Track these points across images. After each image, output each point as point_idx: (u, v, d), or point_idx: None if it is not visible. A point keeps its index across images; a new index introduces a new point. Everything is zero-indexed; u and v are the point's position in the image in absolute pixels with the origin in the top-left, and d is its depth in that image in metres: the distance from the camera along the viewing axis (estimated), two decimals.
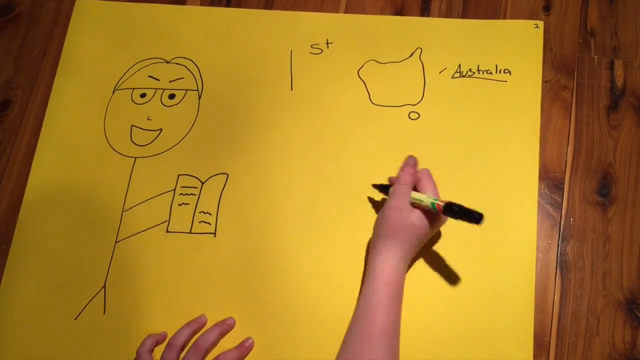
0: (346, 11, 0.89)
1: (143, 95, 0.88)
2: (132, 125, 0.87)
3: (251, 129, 0.84)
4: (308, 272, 0.76)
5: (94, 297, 0.79)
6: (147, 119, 0.87)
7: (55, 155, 0.86)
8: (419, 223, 0.68)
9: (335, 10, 0.89)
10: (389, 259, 0.68)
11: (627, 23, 0.83)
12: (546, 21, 0.83)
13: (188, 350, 0.72)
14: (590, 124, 0.79)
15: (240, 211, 0.81)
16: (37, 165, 0.86)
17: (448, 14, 0.86)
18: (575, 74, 0.81)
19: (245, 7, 0.91)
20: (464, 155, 0.79)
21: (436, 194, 0.70)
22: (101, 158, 0.85)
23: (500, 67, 0.82)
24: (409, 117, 0.82)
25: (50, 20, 0.94)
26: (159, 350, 0.74)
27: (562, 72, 0.81)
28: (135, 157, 0.85)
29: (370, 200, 0.79)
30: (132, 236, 0.81)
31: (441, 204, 0.66)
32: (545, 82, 0.81)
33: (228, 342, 0.75)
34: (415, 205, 0.69)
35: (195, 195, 0.82)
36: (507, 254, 0.74)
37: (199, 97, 0.87)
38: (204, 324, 0.76)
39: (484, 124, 0.80)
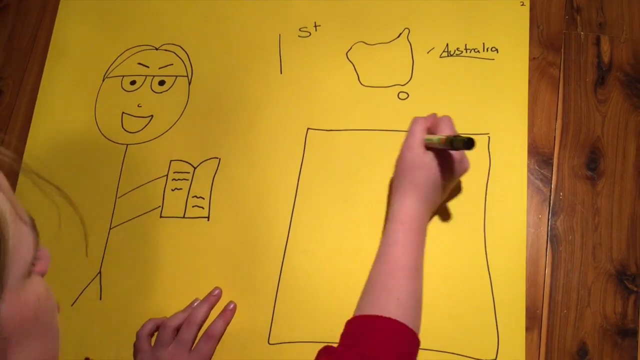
0: None
1: (133, 83, 0.88)
2: (123, 112, 0.87)
3: (241, 113, 0.84)
4: (302, 254, 0.77)
5: (89, 283, 0.79)
6: (138, 105, 0.87)
7: (47, 144, 0.86)
8: (431, 163, 0.68)
9: None
10: (403, 199, 0.69)
11: None
12: None
13: (182, 328, 0.73)
14: (578, 99, 0.79)
15: (233, 195, 0.81)
16: (29, 154, 0.86)
17: None
18: (562, 50, 0.82)
19: None
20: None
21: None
22: (93, 146, 0.86)
23: (488, 45, 0.82)
24: (398, 97, 0.82)
25: (38, 10, 0.95)
26: None
27: (549, 48, 0.82)
28: (127, 144, 0.85)
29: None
30: (126, 222, 0.82)
31: (444, 137, 0.66)
32: (532, 59, 0.81)
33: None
34: (428, 146, 0.69)
35: (187, 180, 0.82)
36: (498, 229, 0.74)
37: (189, 83, 0.87)
38: None
39: (473, 102, 0.80)
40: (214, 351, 0.73)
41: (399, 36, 0.85)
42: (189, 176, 0.82)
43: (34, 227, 0.42)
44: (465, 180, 0.77)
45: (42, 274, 0.43)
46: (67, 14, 0.94)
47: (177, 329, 0.74)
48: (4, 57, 0.92)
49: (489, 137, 0.78)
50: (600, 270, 0.72)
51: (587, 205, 0.75)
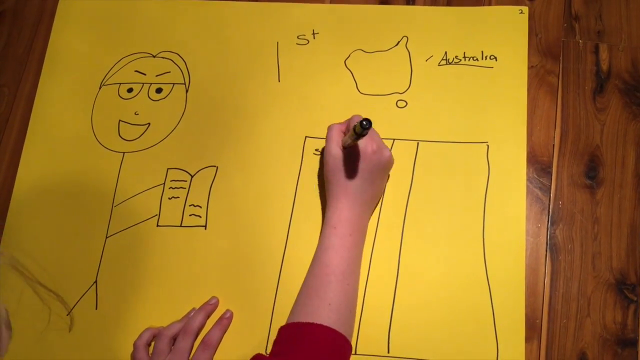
0: (332, 1, 0.89)
1: (130, 90, 0.88)
2: (120, 120, 0.86)
3: (239, 121, 0.84)
4: (300, 263, 0.76)
5: (85, 292, 0.79)
6: (135, 113, 0.86)
7: (43, 152, 0.86)
8: (349, 162, 0.70)
9: (321, 0, 0.89)
10: (335, 203, 0.71)
11: (611, 6, 0.83)
12: (531, 6, 0.84)
13: (178, 337, 0.73)
14: (577, 107, 0.79)
15: (231, 203, 0.81)
16: (25, 163, 0.86)
17: (434, 1, 0.86)
18: (561, 58, 0.81)
19: None
20: (452, 142, 0.79)
21: None
22: (89, 154, 0.85)
23: (486, 53, 0.82)
24: (396, 105, 0.82)
25: (34, 17, 0.94)
26: None
27: (547, 57, 0.82)
28: (124, 152, 0.85)
29: None
30: (122, 231, 0.81)
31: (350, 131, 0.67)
32: (531, 67, 0.81)
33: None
34: (346, 147, 0.71)
35: (184, 188, 0.82)
36: (497, 238, 0.74)
37: (186, 91, 0.87)
38: None
39: (471, 110, 0.80)
40: None
41: (397, 44, 0.85)
42: (186, 184, 0.82)
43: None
44: (463, 188, 0.76)
45: None
46: (63, 22, 0.93)
47: (174, 339, 0.73)
48: (0, 64, 0.91)
49: (487, 146, 0.78)
50: (599, 280, 0.72)
51: (586, 214, 0.75)
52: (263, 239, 0.78)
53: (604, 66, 0.81)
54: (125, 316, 0.77)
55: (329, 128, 0.74)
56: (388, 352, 0.71)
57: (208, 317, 0.76)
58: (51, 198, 0.84)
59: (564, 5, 0.84)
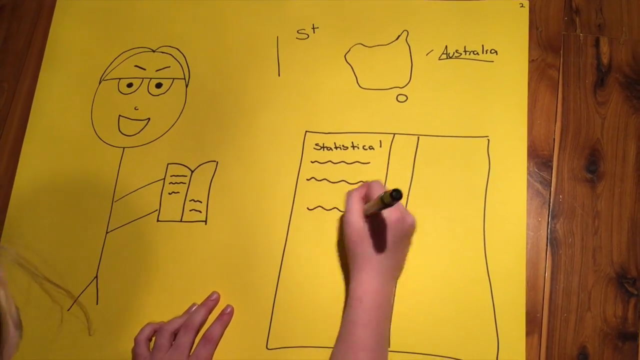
0: None
1: (130, 85, 0.87)
2: (120, 115, 0.86)
3: (239, 116, 0.84)
4: (300, 258, 0.76)
5: (86, 287, 0.79)
6: (135, 108, 0.86)
7: (43, 147, 0.86)
8: (373, 232, 0.67)
9: None
10: (358, 275, 0.68)
11: (611, 0, 0.83)
12: (531, 0, 0.83)
13: (179, 332, 0.73)
14: (578, 101, 0.79)
15: (231, 198, 0.81)
16: (26, 158, 0.86)
17: None
18: (562, 52, 0.81)
19: None
20: (452, 136, 0.79)
21: None
22: (89, 149, 0.85)
23: (487, 47, 0.82)
24: (396, 99, 0.82)
25: (34, 12, 0.94)
26: None
27: (548, 50, 0.81)
28: (124, 147, 0.85)
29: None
30: (123, 226, 0.81)
31: (375, 200, 0.64)
32: (531, 61, 0.81)
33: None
34: (368, 215, 0.68)
35: (185, 183, 0.82)
36: (497, 232, 0.74)
37: (186, 86, 0.87)
38: None
39: (472, 104, 0.80)
40: (212, 355, 0.73)
41: (397, 38, 0.84)
42: (186, 179, 0.82)
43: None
44: (464, 183, 0.76)
45: None
46: (63, 16, 0.93)
47: (175, 334, 0.73)
48: None
49: (488, 140, 0.78)
50: (600, 274, 0.72)
51: (587, 208, 0.75)
52: (263, 233, 0.78)
53: (605, 60, 0.80)
54: (126, 311, 0.78)
55: (348, 195, 0.71)
56: (388, 347, 0.71)
57: (210, 312, 0.75)
58: (51, 193, 0.84)
59: None
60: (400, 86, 0.82)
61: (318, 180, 0.80)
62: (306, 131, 0.82)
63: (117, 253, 0.80)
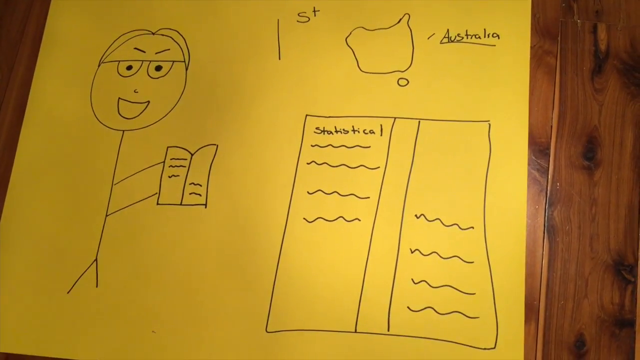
0: None
1: (129, 68, 0.87)
2: (119, 98, 0.86)
3: (239, 99, 0.84)
4: (300, 242, 0.77)
5: (85, 270, 0.79)
6: (134, 91, 0.86)
7: (42, 130, 0.85)
8: None
9: None
10: None
11: None
12: None
13: None
14: (575, 88, 0.79)
15: (231, 182, 0.81)
16: (25, 141, 0.85)
17: None
18: (559, 38, 0.81)
19: None
20: (453, 121, 0.79)
21: None
22: (89, 132, 0.84)
23: (489, 31, 0.82)
24: (398, 83, 0.81)
25: (27, 0, 0.92)
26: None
27: (546, 37, 0.81)
28: (124, 130, 0.84)
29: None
30: (122, 209, 0.81)
31: None
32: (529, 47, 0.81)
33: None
34: None
35: (184, 167, 0.82)
36: (497, 216, 0.75)
37: (186, 68, 0.86)
38: None
39: (473, 88, 0.80)
40: None
41: (399, 22, 0.84)
42: (186, 163, 0.82)
43: None
44: (465, 167, 0.76)
45: None
46: None
47: None
48: None
49: (489, 125, 0.78)
50: (597, 261, 0.73)
51: (584, 195, 0.75)
52: (263, 217, 0.79)
53: (602, 46, 0.80)
54: (126, 293, 0.78)
55: None
56: (388, 330, 0.72)
57: None
58: (51, 176, 0.83)
59: None
60: (402, 70, 0.82)
61: (318, 164, 0.80)
62: (307, 115, 0.82)
63: (117, 236, 0.80)
